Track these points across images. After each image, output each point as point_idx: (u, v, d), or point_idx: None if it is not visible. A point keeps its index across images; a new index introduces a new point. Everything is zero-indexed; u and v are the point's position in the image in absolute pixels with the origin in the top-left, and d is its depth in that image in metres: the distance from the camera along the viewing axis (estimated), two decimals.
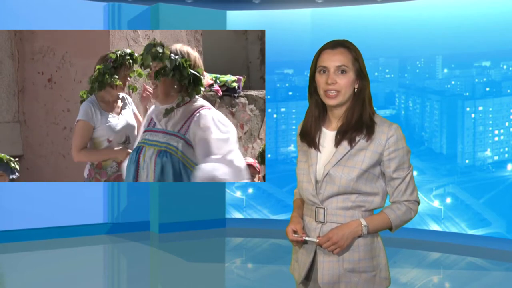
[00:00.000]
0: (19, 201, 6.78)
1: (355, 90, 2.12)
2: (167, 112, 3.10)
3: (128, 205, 7.39)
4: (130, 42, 4.73)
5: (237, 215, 7.87)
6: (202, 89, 3.17)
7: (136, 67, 3.64)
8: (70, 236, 7.03)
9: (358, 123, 2.10)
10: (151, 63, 3.10)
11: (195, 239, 7.18)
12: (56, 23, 7.03)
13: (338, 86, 2.09)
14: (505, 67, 6.65)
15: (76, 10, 7.11)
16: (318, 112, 2.18)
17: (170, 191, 7.35)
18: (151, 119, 3.19)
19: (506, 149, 6.63)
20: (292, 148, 7.73)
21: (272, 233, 7.41)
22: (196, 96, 3.14)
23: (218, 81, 4.58)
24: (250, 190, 7.85)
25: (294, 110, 7.73)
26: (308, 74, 2.19)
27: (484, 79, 6.79)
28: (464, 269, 6.21)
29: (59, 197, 6.95)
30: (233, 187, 7.87)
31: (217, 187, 7.67)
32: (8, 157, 3.82)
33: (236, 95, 4.70)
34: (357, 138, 2.10)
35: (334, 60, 2.09)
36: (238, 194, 7.88)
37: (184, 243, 7.00)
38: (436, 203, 7.01)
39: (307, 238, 2.14)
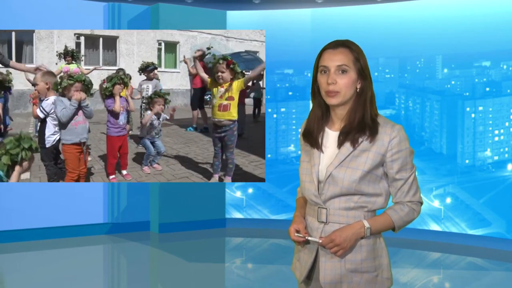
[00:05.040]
0: (19, 201, 6.78)
1: (357, 90, 2.12)
2: None
3: (128, 205, 7.38)
4: None
5: (237, 215, 7.86)
6: None
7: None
8: (70, 236, 7.03)
9: (361, 124, 2.09)
10: None
11: (195, 239, 7.17)
12: (56, 23, 7.04)
13: (338, 86, 2.08)
14: (505, 67, 6.65)
15: (76, 10, 7.11)
16: (321, 112, 2.18)
17: (170, 191, 7.34)
18: None
19: (506, 149, 6.64)
20: (292, 148, 7.72)
21: (272, 233, 7.41)
22: None
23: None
24: (250, 190, 7.85)
25: (294, 110, 7.72)
26: (309, 74, 2.19)
27: (484, 79, 6.79)
28: (464, 269, 6.21)
29: (59, 197, 6.95)
30: (233, 187, 7.86)
31: (217, 187, 7.66)
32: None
33: None
34: (360, 139, 2.09)
35: (334, 60, 2.09)
36: (238, 194, 7.87)
37: (184, 243, 7.00)
38: (436, 203, 7.01)
39: (309, 238, 2.13)
